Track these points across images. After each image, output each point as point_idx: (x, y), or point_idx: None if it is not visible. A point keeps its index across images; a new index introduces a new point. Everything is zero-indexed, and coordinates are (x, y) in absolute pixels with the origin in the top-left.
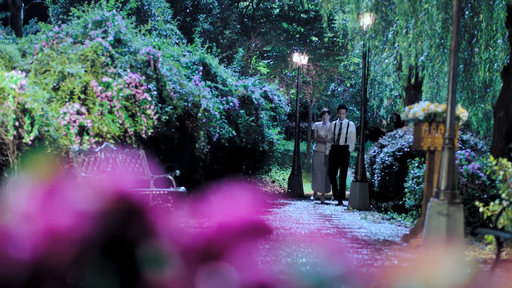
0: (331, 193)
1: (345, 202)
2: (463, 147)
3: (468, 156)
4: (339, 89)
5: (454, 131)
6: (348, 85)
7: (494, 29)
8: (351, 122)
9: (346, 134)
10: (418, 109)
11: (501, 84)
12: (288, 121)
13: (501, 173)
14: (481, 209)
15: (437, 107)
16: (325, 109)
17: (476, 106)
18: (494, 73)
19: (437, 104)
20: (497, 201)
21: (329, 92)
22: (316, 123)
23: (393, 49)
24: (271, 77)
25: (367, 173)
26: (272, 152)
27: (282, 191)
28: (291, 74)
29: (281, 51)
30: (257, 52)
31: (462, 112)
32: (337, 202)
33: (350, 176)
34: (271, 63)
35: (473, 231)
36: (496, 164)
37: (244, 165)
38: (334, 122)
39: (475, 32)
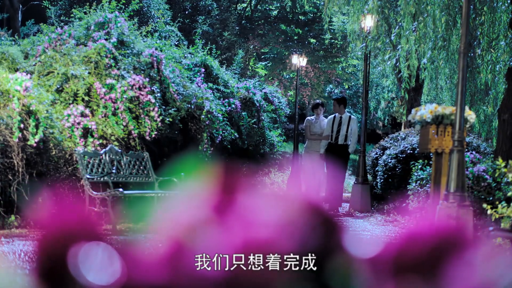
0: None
1: (340, 209)
2: (466, 149)
3: (473, 158)
4: (335, 91)
5: (463, 133)
6: (346, 87)
7: (497, 31)
8: (353, 117)
9: (347, 131)
10: (426, 111)
11: (504, 87)
12: (287, 123)
13: (510, 175)
14: (489, 212)
15: (444, 109)
16: (318, 100)
17: (478, 108)
18: (496, 75)
19: (444, 106)
20: (505, 204)
21: (326, 94)
22: (309, 118)
23: (395, 51)
24: (269, 79)
25: (368, 175)
26: (273, 154)
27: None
28: (288, 76)
29: (279, 53)
30: (255, 54)
31: (470, 114)
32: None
33: (349, 179)
34: (269, 65)
35: (490, 233)
36: (505, 166)
37: (245, 167)
38: (333, 115)
39: (477, 34)
